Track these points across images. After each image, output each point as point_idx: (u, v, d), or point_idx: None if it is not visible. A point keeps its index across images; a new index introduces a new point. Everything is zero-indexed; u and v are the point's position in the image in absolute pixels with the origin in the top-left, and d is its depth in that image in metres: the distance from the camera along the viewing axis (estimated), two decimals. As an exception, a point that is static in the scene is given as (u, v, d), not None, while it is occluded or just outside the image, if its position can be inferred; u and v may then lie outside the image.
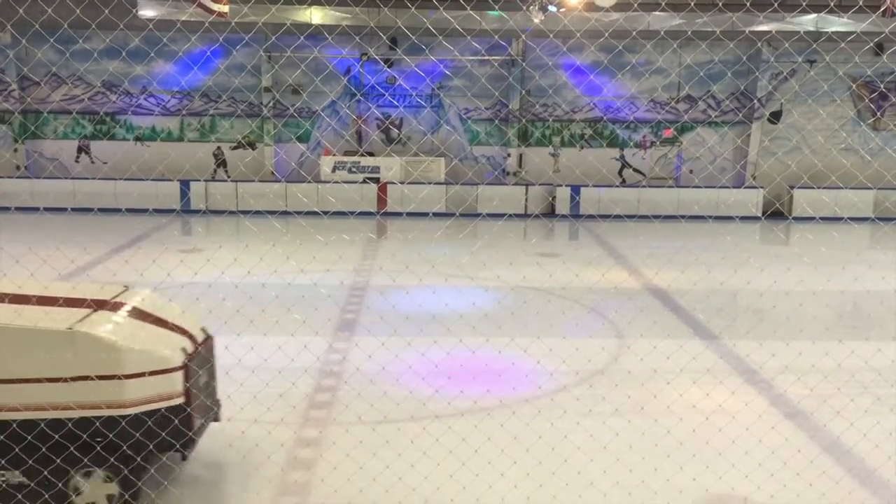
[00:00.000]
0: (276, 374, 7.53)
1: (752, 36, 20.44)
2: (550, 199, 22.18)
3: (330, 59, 22.46)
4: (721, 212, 20.70)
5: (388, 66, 22.63)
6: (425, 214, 20.20)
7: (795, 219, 21.08)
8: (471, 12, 12.44)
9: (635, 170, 23.79)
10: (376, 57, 22.39)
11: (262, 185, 21.84)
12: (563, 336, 8.27)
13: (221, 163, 23.47)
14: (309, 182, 21.93)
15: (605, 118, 23.40)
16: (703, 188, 22.10)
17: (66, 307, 5.98)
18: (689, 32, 18.20)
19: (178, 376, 5.82)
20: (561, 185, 22.09)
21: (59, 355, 5.55)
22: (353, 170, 22.28)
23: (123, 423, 5.61)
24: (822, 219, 17.86)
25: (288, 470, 6.75)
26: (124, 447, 5.66)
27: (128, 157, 22.47)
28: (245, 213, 20.02)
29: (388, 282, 12.69)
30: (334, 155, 22.71)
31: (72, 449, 5.57)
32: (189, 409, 5.89)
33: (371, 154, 22.84)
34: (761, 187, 22.26)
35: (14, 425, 5.54)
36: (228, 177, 23.01)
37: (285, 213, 20.11)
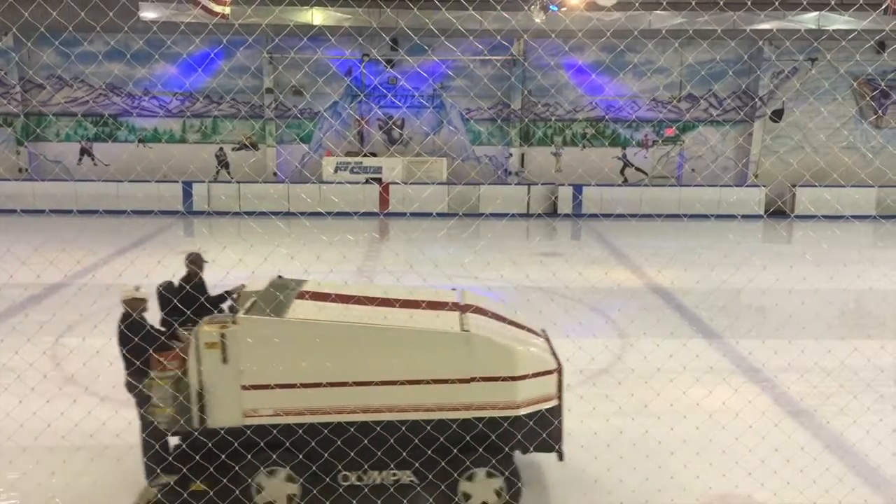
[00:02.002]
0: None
1: (753, 35, 20.45)
2: (553, 198, 22.21)
3: (331, 59, 22.50)
4: (723, 210, 20.72)
5: (390, 67, 22.66)
6: (428, 214, 20.24)
7: (798, 217, 21.09)
8: (472, 12, 12.49)
9: (637, 168, 23.81)
10: (378, 58, 22.42)
11: (265, 185, 21.89)
12: (566, 335, 8.28)
13: (224, 164, 23.52)
14: (312, 183, 21.97)
15: (607, 117, 23.42)
16: (705, 187, 22.11)
17: (429, 310, 6.14)
18: (691, 31, 18.20)
19: (555, 378, 5.93)
20: (563, 185, 22.12)
21: (454, 357, 5.66)
22: (356, 170, 22.32)
23: (507, 425, 5.74)
24: (824, 217, 17.86)
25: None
26: (505, 448, 5.80)
27: (130, 159, 22.54)
28: (249, 214, 20.07)
29: (392, 281, 12.72)
30: (337, 156, 22.76)
31: (481, 450, 5.71)
32: (561, 411, 6.01)
33: (373, 154, 22.88)
34: (763, 186, 22.26)
35: (403, 427, 5.66)
36: (231, 178, 23.05)
37: (288, 213, 20.18)
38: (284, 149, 23.45)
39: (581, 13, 17.13)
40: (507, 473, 5.79)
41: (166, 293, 6.72)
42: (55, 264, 8.12)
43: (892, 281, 12.18)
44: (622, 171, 23.83)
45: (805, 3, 15.88)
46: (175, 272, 8.93)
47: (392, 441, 5.71)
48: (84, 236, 16.91)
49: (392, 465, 5.81)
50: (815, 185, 19.98)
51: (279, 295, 6.17)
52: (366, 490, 5.90)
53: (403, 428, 5.66)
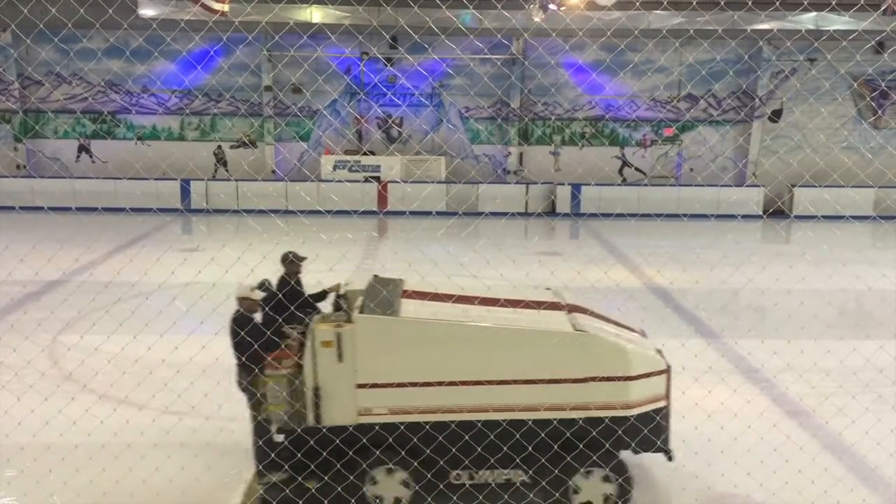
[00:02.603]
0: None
1: (753, 34, 20.44)
2: (551, 197, 22.20)
3: (331, 58, 22.47)
4: (722, 210, 20.73)
5: (390, 65, 22.63)
6: (427, 213, 20.22)
7: (797, 217, 21.10)
8: (473, 11, 12.48)
9: (637, 168, 23.81)
10: (378, 55, 22.39)
11: (263, 183, 21.88)
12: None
13: (222, 162, 23.49)
14: (311, 181, 21.94)
15: (607, 117, 23.41)
16: (704, 187, 22.11)
17: (536, 310, 6.15)
18: (692, 31, 18.19)
19: (664, 379, 5.95)
20: (563, 184, 22.11)
21: (570, 357, 5.67)
22: (354, 169, 22.30)
23: (619, 425, 5.73)
24: (823, 217, 17.87)
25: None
26: (616, 449, 5.81)
27: (128, 157, 22.51)
28: (247, 211, 20.04)
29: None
30: (335, 154, 22.74)
31: (592, 451, 5.72)
32: (669, 412, 6.02)
33: (372, 153, 22.86)
34: (762, 186, 22.27)
35: (515, 427, 5.64)
36: (230, 175, 23.03)
37: (286, 211, 20.14)
38: (283, 147, 23.42)
39: (581, 12, 17.11)
40: (617, 474, 5.81)
41: (267, 292, 6.70)
42: (53, 262, 8.11)
43: (891, 281, 12.18)
44: (621, 171, 23.83)
45: (805, 3, 15.85)
46: (174, 270, 8.93)
47: (504, 441, 5.69)
48: (82, 234, 16.88)
49: (503, 466, 5.81)
50: (815, 186, 19.98)
51: (383, 294, 6.19)
52: (472, 489, 5.91)
53: (513, 428, 5.66)
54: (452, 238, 17.88)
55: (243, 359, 5.91)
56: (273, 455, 5.87)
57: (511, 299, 6.30)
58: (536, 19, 17.66)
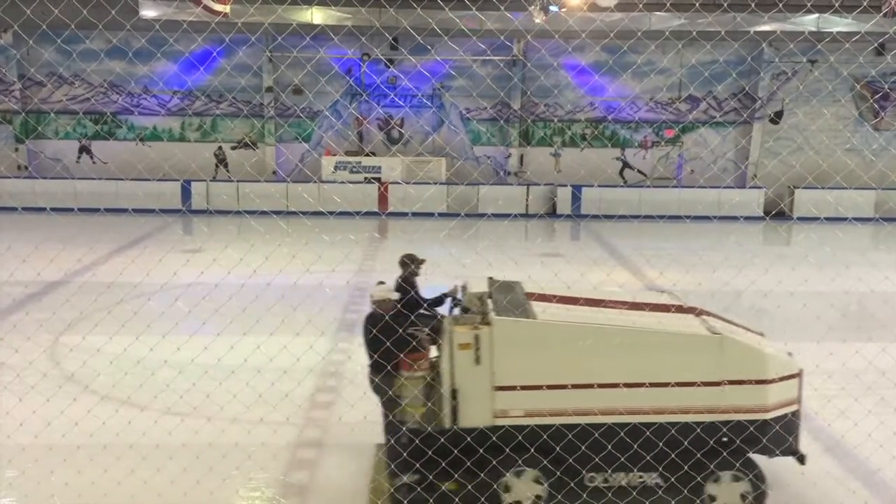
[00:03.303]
0: (282, 374, 7.54)
1: (754, 36, 20.43)
2: (552, 199, 22.19)
3: (332, 59, 22.47)
4: (723, 212, 20.71)
5: (392, 66, 22.63)
6: (427, 215, 20.21)
7: (799, 219, 21.08)
8: (475, 12, 12.48)
9: (639, 171, 23.81)
10: (380, 56, 22.40)
11: (264, 184, 21.88)
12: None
13: (223, 163, 23.50)
14: (313, 182, 21.93)
15: (609, 118, 23.40)
16: (706, 188, 22.09)
17: (665, 312, 6.21)
18: (695, 33, 18.18)
19: (797, 382, 5.94)
20: (564, 185, 22.11)
21: (706, 361, 5.67)
22: (355, 170, 22.31)
23: (754, 428, 5.72)
24: (825, 219, 17.85)
25: (293, 469, 6.78)
26: (750, 452, 5.81)
27: (130, 157, 22.51)
28: (248, 212, 20.04)
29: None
30: (336, 155, 22.74)
31: (727, 454, 5.75)
32: (800, 415, 6.02)
33: (373, 154, 22.86)
34: (763, 187, 22.26)
35: (649, 430, 5.67)
36: (230, 176, 23.03)
37: (286, 212, 20.15)
38: (285, 148, 23.43)
39: (583, 14, 17.11)
40: (752, 477, 5.80)
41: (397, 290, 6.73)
42: (55, 262, 8.10)
43: (894, 283, 12.16)
44: (621, 173, 23.82)
45: (808, 5, 15.87)
46: (176, 270, 8.92)
47: (638, 444, 5.72)
48: (84, 234, 16.86)
49: (637, 468, 5.83)
50: (818, 187, 19.97)
51: (511, 296, 6.21)
52: (606, 491, 5.93)
53: (649, 431, 5.68)
54: (454, 239, 17.88)
55: (376, 357, 5.95)
56: (405, 455, 5.91)
57: (640, 302, 6.37)
58: (538, 21, 17.65)
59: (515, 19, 18.53)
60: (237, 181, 22.01)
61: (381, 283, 6.54)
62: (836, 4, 17.85)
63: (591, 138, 23.72)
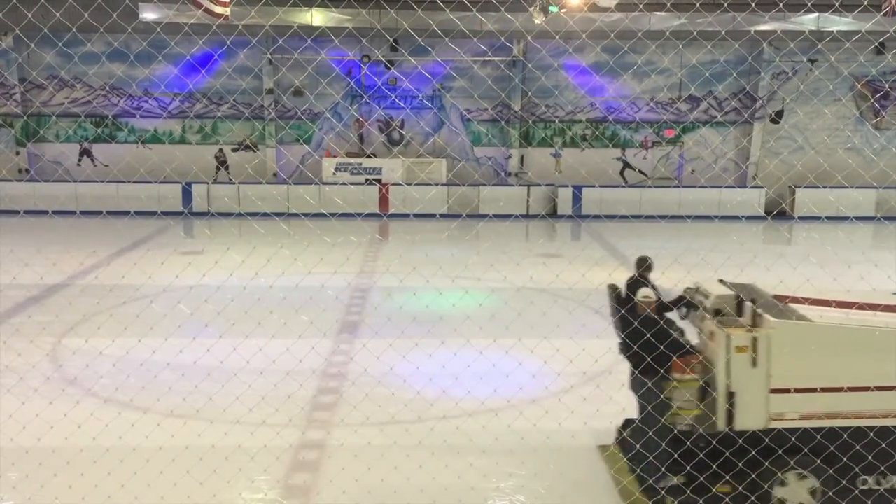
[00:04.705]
0: (284, 376, 7.55)
1: (755, 36, 20.42)
2: (553, 199, 22.19)
3: (333, 61, 22.47)
4: (724, 212, 20.68)
5: (392, 67, 22.63)
6: (428, 216, 20.22)
7: (801, 218, 21.07)
8: (476, 13, 12.47)
9: (639, 171, 23.80)
10: (381, 58, 22.40)
11: (265, 186, 21.88)
12: (569, 336, 8.27)
13: (224, 164, 23.50)
14: (314, 184, 21.93)
15: (609, 119, 23.39)
16: (707, 188, 22.08)
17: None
18: (695, 33, 18.17)
19: None
20: (565, 186, 22.10)
21: None
22: (356, 171, 22.31)
23: None
24: (827, 218, 17.83)
25: (295, 471, 6.78)
26: None
27: (131, 160, 22.52)
28: (251, 215, 20.06)
29: (395, 283, 12.73)
30: (336, 156, 22.75)
31: None
32: None
33: (374, 155, 22.87)
34: (764, 187, 22.25)
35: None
36: (231, 178, 23.03)
37: (286, 214, 20.16)
38: (285, 149, 23.43)
39: (583, 14, 17.11)
40: None
41: (628, 292, 6.90)
42: (57, 265, 8.09)
43: (896, 282, 12.14)
44: (622, 173, 23.82)
45: (809, 4, 15.86)
46: (178, 273, 8.92)
47: None
48: (85, 237, 16.89)
49: None
50: (819, 187, 19.95)
51: (763, 300, 6.21)
52: (885, 493, 5.96)
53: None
54: (455, 240, 17.88)
55: (648, 360, 5.95)
56: (675, 456, 5.95)
57: (893, 305, 6.35)
58: (537, 21, 17.66)
59: (515, 20, 18.54)
60: (238, 183, 22.01)
61: (644, 284, 6.69)
62: (837, 4, 17.83)
63: (592, 139, 23.72)
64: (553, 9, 17.44)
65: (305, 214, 17.21)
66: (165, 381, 7.54)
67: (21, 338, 9.32)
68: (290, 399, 7.60)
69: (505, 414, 7.64)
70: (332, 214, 16.90)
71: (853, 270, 10.64)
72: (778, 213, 21.55)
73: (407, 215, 19.31)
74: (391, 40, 21.61)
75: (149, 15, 18.86)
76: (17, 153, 23.08)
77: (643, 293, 6.33)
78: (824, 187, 18.47)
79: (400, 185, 21.77)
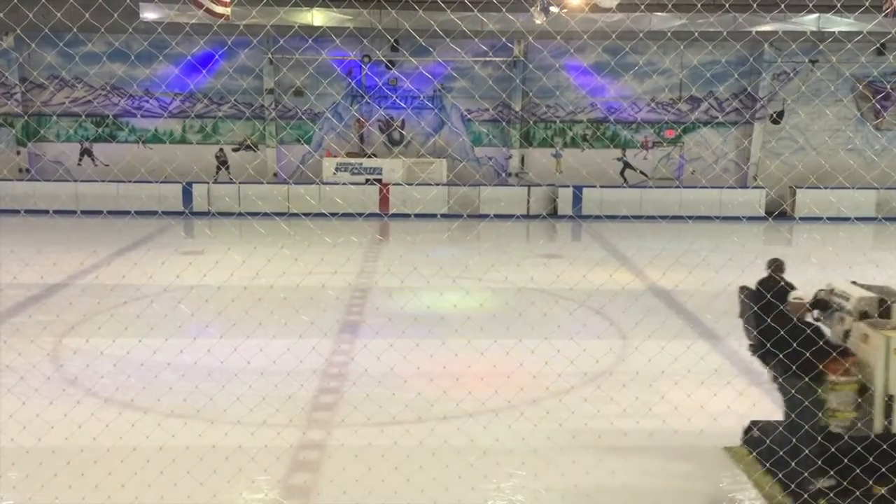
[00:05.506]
0: (285, 376, 7.54)
1: (755, 36, 20.41)
2: (554, 199, 22.19)
3: (333, 61, 22.47)
4: (724, 212, 20.67)
5: (392, 68, 22.63)
6: (429, 216, 20.20)
7: (801, 219, 21.06)
8: (477, 14, 12.47)
9: (640, 171, 23.79)
10: (381, 58, 22.40)
11: (265, 186, 21.87)
12: (570, 337, 8.27)
13: (224, 164, 23.50)
14: (314, 184, 21.93)
15: (610, 119, 23.38)
16: (707, 189, 22.07)
17: None
18: (696, 34, 18.16)
19: None
20: (566, 186, 22.09)
21: None
22: (356, 171, 22.31)
23: None
24: (827, 219, 17.81)
25: (296, 472, 6.77)
26: None
27: (131, 160, 22.50)
28: (251, 215, 20.05)
29: (396, 283, 12.73)
30: (337, 156, 22.74)
31: None
32: None
33: (374, 155, 22.87)
34: (765, 188, 22.24)
35: None
36: (231, 178, 23.03)
37: (286, 214, 20.15)
38: (286, 149, 23.43)
39: (584, 15, 17.10)
40: None
41: (760, 291, 6.87)
42: (58, 265, 8.08)
43: (896, 283, 12.14)
44: (623, 174, 23.81)
45: (811, 5, 15.85)
46: (178, 273, 8.91)
47: None
48: (86, 237, 16.89)
49: None
50: (820, 188, 19.92)
51: None
52: None
53: None
54: (456, 241, 17.87)
55: (801, 361, 5.88)
56: (819, 462, 5.90)
57: None
58: (538, 22, 17.65)
59: (516, 20, 18.53)
60: (239, 183, 22.01)
61: (778, 283, 6.72)
62: (838, 4, 17.83)
63: (593, 139, 23.71)
64: (554, 9, 17.44)
65: (306, 214, 17.20)
66: (166, 381, 7.54)
67: (21, 337, 9.31)
68: (290, 399, 7.60)
69: (505, 414, 7.63)
70: (333, 214, 16.89)
71: (854, 271, 10.62)
72: (779, 213, 21.54)
73: (407, 215, 19.28)
74: (392, 40, 21.60)
75: (149, 15, 18.86)
76: (18, 153, 23.08)
77: (795, 294, 6.29)
78: (825, 188, 18.46)
79: (400, 185, 21.76)
